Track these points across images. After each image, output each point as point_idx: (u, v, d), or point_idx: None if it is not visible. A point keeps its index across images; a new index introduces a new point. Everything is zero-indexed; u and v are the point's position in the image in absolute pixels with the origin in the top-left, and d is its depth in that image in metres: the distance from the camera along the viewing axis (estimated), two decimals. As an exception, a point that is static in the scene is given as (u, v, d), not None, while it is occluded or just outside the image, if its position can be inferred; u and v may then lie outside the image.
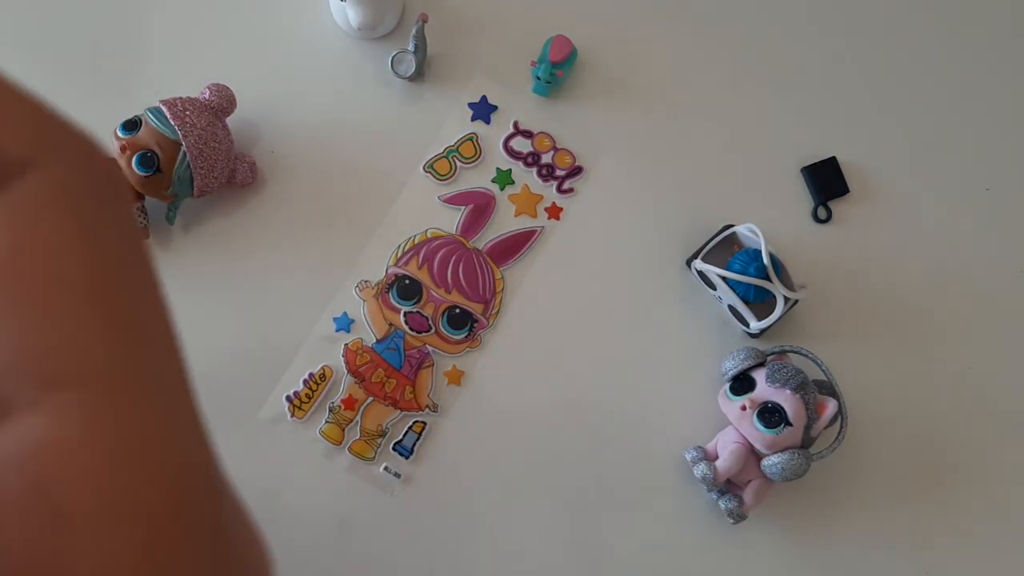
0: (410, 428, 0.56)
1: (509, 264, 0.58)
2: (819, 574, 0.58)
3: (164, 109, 0.53)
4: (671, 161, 0.60)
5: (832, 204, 0.60)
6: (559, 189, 0.60)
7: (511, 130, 0.60)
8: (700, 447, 0.56)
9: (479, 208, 0.59)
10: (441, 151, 0.59)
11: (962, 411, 0.59)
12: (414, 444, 0.56)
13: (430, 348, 0.57)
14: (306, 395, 0.56)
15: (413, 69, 0.58)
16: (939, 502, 0.59)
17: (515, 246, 0.59)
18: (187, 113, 0.53)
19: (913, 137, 0.62)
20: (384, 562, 0.55)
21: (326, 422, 0.56)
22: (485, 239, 0.59)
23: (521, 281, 0.58)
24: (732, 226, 0.57)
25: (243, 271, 0.58)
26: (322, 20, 0.60)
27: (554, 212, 0.59)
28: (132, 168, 0.52)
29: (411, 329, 0.57)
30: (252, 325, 0.57)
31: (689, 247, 0.59)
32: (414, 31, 0.57)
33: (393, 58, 0.58)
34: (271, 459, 0.56)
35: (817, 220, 0.60)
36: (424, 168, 0.59)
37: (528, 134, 0.60)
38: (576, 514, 0.57)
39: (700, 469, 0.55)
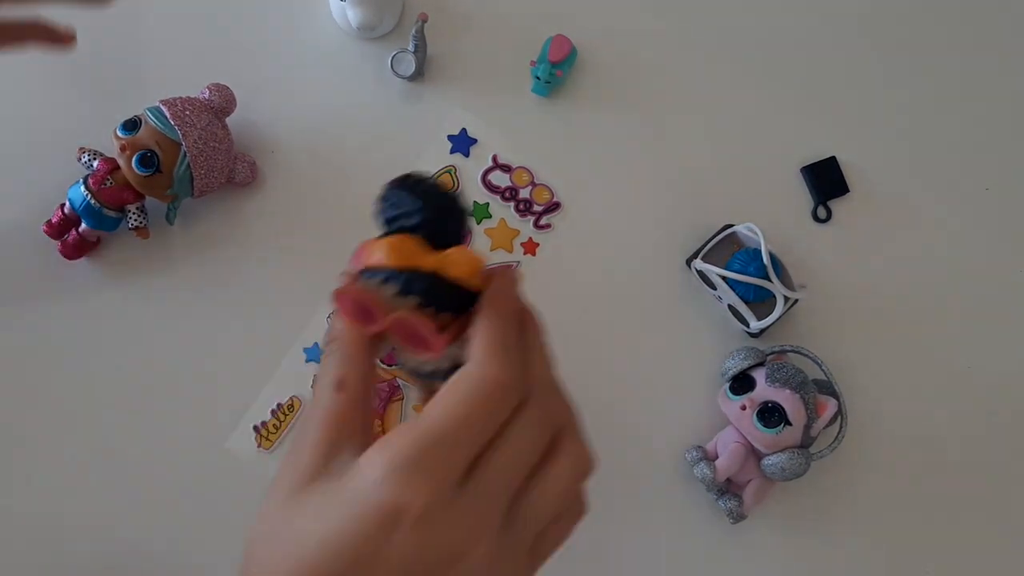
0: None
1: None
2: (819, 574, 0.58)
3: (164, 109, 0.53)
4: (671, 160, 0.60)
5: (832, 204, 0.60)
6: (536, 224, 0.59)
7: (490, 164, 0.59)
8: (700, 447, 0.56)
9: None
10: None
11: (962, 410, 0.59)
12: None
13: (400, 381, 0.57)
14: (274, 425, 0.56)
15: (413, 69, 0.58)
16: (939, 501, 0.58)
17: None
18: (187, 113, 0.53)
19: (913, 137, 0.62)
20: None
21: None
22: None
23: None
24: (732, 226, 0.57)
25: (234, 280, 0.58)
26: (322, 20, 0.60)
27: (530, 247, 0.59)
28: (132, 168, 0.52)
29: (381, 362, 0.57)
30: (229, 347, 0.57)
31: (689, 247, 0.59)
32: (414, 31, 0.57)
33: (393, 58, 0.58)
34: (236, 490, 0.55)
35: (817, 220, 0.60)
36: None
37: (507, 168, 0.59)
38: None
39: (700, 469, 0.55)
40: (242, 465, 0.55)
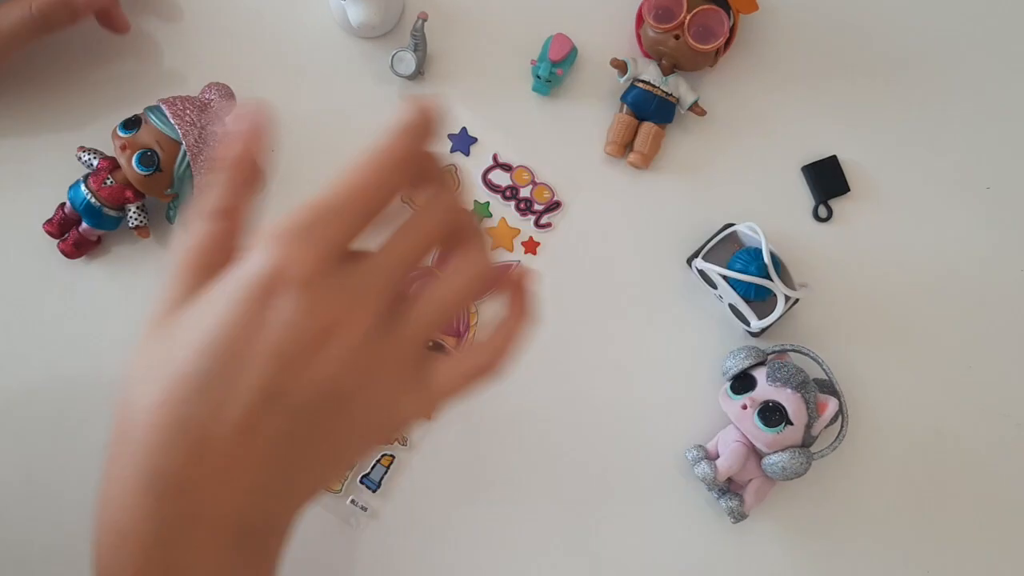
0: (378, 461, 0.56)
1: (484, 298, 0.58)
2: (819, 573, 0.58)
3: (164, 108, 0.53)
4: (671, 159, 0.60)
5: (832, 203, 0.60)
6: (536, 224, 0.59)
7: (490, 163, 0.59)
8: (701, 446, 0.56)
9: None
10: None
11: (962, 410, 0.59)
12: (382, 477, 0.56)
13: None
14: None
15: (413, 68, 0.58)
16: (939, 501, 0.59)
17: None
18: (187, 112, 0.53)
19: (913, 137, 0.62)
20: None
21: None
22: None
23: (496, 315, 0.57)
24: (733, 225, 0.57)
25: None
26: (322, 19, 0.60)
27: (531, 247, 0.59)
28: (132, 167, 0.52)
29: None
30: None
31: (689, 246, 0.59)
32: (414, 30, 0.57)
33: (393, 57, 0.58)
34: None
35: (817, 219, 0.60)
36: (402, 198, 0.58)
37: (507, 167, 0.59)
38: (575, 514, 0.56)
39: (701, 468, 0.55)
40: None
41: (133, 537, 0.30)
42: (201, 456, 0.29)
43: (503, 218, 0.59)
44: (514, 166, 0.59)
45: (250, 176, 0.33)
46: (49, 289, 0.57)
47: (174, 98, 0.54)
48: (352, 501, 0.55)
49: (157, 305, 0.32)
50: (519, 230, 0.59)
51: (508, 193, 0.59)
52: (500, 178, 0.59)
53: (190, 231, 0.32)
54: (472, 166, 0.59)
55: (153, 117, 0.53)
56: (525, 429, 0.57)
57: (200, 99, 0.54)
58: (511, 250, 0.59)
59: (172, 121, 0.52)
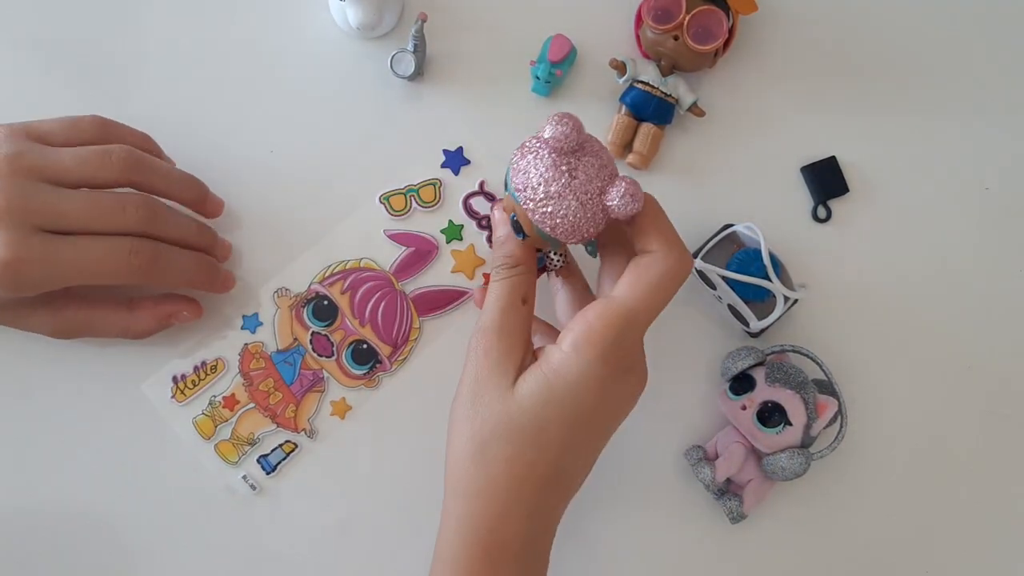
0: (280, 446, 0.56)
1: (431, 316, 0.58)
2: (818, 573, 0.58)
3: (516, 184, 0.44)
4: (671, 160, 0.60)
5: (832, 203, 0.60)
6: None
7: (475, 188, 0.59)
8: (700, 447, 0.56)
9: (420, 253, 0.58)
10: (401, 187, 0.58)
11: (962, 411, 0.59)
12: (279, 462, 0.56)
13: (326, 373, 0.57)
14: (192, 381, 0.56)
15: (413, 69, 0.58)
16: (939, 502, 0.59)
17: (442, 300, 0.58)
18: (542, 197, 0.44)
19: (912, 137, 0.62)
20: (219, 565, 0.56)
21: (202, 413, 0.56)
22: (415, 285, 0.58)
23: (438, 335, 0.57)
24: (732, 225, 0.57)
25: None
26: (321, 20, 0.60)
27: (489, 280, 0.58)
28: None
29: (313, 350, 0.57)
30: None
31: (688, 247, 0.58)
32: (414, 31, 0.57)
33: (393, 58, 0.58)
34: (137, 432, 0.56)
35: (817, 219, 0.60)
36: (380, 199, 0.58)
37: (491, 197, 0.59)
38: (574, 514, 0.56)
39: (700, 469, 0.55)
40: (153, 410, 0.56)
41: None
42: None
43: (472, 245, 0.58)
44: (497, 198, 0.59)
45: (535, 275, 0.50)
46: None
47: (523, 165, 0.46)
48: (243, 477, 0.56)
49: (496, 371, 0.45)
50: (484, 260, 0.58)
51: (484, 223, 0.59)
52: (481, 205, 0.59)
53: (511, 314, 0.46)
54: (457, 185, 0.59)
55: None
56: (399, 478, 0.57)
57: (547, 147, 0.45)
58: (471, 278, 0.58)
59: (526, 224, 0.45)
